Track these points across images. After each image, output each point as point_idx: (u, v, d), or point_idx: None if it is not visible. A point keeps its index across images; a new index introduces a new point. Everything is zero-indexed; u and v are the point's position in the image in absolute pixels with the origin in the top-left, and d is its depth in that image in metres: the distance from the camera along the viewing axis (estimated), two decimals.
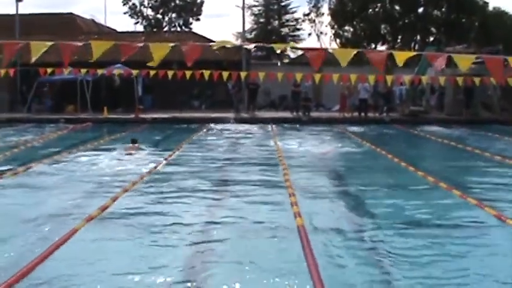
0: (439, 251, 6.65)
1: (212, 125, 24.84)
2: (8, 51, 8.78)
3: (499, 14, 52.93)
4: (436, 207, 8.94)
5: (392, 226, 7.76)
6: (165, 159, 14.04)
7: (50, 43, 8.37)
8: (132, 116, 27.75)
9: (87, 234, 7.14)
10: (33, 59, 8.35)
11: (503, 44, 31.14)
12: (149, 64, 9.70)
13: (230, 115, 28.77)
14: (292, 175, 11.49)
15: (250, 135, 20.91)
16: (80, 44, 8.65)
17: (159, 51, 9.01)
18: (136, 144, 15.95)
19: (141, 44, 9.17)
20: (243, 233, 7.38)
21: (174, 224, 7.76)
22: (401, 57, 9.90)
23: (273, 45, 8.99)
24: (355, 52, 9.98)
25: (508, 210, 8.62)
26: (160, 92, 31.97)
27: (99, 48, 8.39)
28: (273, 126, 24.45)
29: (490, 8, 52.49)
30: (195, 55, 9.24)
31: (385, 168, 13.40)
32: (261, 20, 60.88)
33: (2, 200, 9.56)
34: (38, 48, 8.26)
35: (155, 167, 12.69)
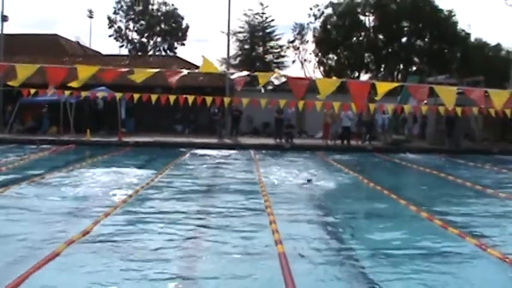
0: (420, 280, 6.67)
1: (195, 150, 24.75)
2: None
3: (481, 45, 53.76)
4: (417, 236, 8.98)
5: (373, 254, 7.77)
6: (147, 183, 13.98)
7: (36, 66, 8.36)
8: (115, 139, 27.65)
9: (67, 258, 7.08)
10: (18, 83, 8.32)
11: (484, 75, 31.53)
12: (131, 77, 9.66)
13: (213, 140, 28.77)
14: (273, 202, 11.49)
15: (232, 161, 20.89)
16: (65, 67, 8.62)
17: (144, 75, 9.03)
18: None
19: (125, 69, 9.16)
20: (224, 259, 7.35)
21: (154, 249, 7.71)
22: (382, 88, 9.98)
23: (257, 73, 9.00)
24: (337, 84, 10.06)
25: (488, 239, 8.68)
26: (143, 115, 31.98)
27: (84, 72, 8.38)
28: (256, 152, 24.43)
29: (472, 39, 53.30)
30: (177, 76, 9.27)
31: (367, 196, 13.45)
32: (246, 46, 61.21)
33: None
34: (24, 71, 8.24)
35: (136, 191, 12.63)
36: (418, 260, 7.59)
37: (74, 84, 8.84)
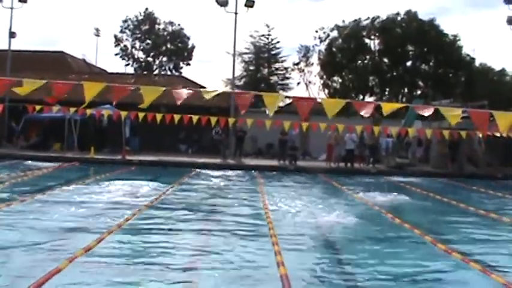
0: None
1: (198, 171, 24.69)
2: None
3: (485, 70, 53.81)
4: (421, 261, 8.92)
5: (376, 279, 7.73)
6: (151, 202, 13.97)
7: (43, 81, 8.39)
8: (119, 157, 27.66)
9: (68, 275, 7.05)
10: (24, 92, 8.35)
11: (488, 100, 31.50)
12: (140, 107, 9.74)
13: (217, 160, 28.74)
14: (276, 225, 11.42)
15: (236, 184, 20.75)
16: (71, 83, 8.66)
17: (151, 94, 9.05)
18: None
19: (132, 87, 9.19)
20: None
21: (156, 272, 7.67)
22: (387, 107, 9.97)
23: (263, 93, 9.03)
24: (343, 104, 10.03)
25: (492, 264, 8.62)
26: (147, 134, 31.99)
27: (91, 89, 8.40)
28: (259, 174, 24.36)
29: (477, 64, 53.35)
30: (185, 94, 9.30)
31: (371, 220, 13.31)
32: (251, 67, 61.35)
33: None
34: (31, 84, 8.27)
35: (139, 210, 12.61)
36: (424, 286, 7.55)
37: (85, 103, 8.86)
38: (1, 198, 13.67)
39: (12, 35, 37.27)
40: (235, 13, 34.74)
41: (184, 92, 9.28)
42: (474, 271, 8.21)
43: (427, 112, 10.58)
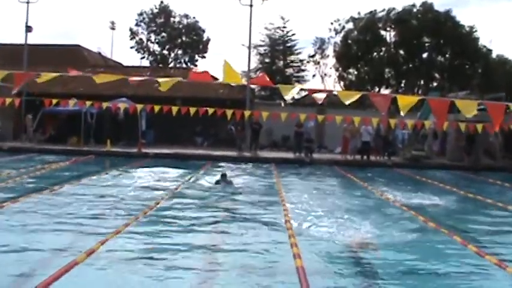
0: None
1: (213, 163, 24.66)
2: (17, 81, 8.85)
3: (502, 61, 53.42)
4: (437, 254, 8.88)
5: (391, 273, 7.71)
6: (166, 195, 14.03)
7: (59, 74, 8.45)
8: (135, 150, 27.75)
9: (87, 267, 7.11)
10: (42, 80, 8.43)
11: (506, 92, 31.23)
12: (160, 88, 9.85)
13: (233, 153, 28.74)
14: (293, 217, 11.43)
15: (251, 176, 20.65)
16: (87, 75, 8.73)
17: (170, 82, 9.17)
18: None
19: (148, 78, 9.28)
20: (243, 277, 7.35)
21: (169, 267, 7.67)
22: (404, 101, 9.88)
23: (279, 85, 9.02)
24: (359, 95, 9.98)
25: (508, 257, 8.57)
26: (163, 127, 32.03)
27: (104, 80, 8.47)
28: (275, 166, 24.28)
29: (494, 55, 52.95)
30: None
31: (387, 214, 13.25)
32: (266, 60, 61.25)
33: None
34: (46, 76, 8.35)
35: (157, 203, 12.67)
36: (438, 278, 7.53)
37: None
38: (14, 192, 13.78)
39: (28, 29, 37.43)
40: (251, 5, 34.64)
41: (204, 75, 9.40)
42: (489, 264, 8.16)
43: (440, 113, 10.47)
